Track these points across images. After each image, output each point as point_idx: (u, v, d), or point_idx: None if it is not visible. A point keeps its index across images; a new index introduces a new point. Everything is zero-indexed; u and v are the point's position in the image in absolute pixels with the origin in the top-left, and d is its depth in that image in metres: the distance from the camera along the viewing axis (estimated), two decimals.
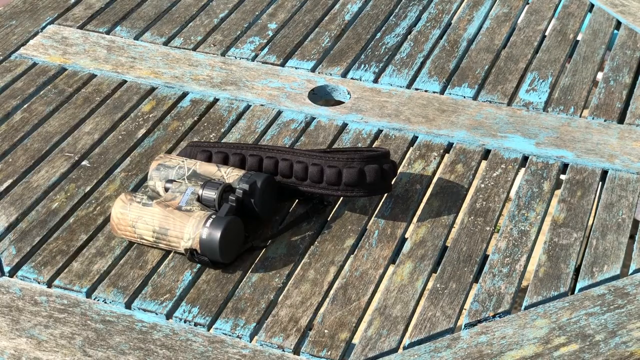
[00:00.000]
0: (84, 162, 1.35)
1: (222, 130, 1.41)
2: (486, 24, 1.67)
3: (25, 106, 1.47)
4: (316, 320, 1.11)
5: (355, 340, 1.09)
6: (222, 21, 1.68)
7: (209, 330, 1.10)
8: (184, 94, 1.50)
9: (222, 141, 1.39)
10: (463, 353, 1.06)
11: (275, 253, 1.20)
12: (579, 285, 1.15)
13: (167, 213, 1.17)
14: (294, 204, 1.27)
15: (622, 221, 1.24)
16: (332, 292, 1.15)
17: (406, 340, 1.08)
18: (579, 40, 1.63)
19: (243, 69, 1.54)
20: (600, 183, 1.31)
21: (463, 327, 1.10)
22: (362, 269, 1.17)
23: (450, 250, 1.20)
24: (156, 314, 1.12)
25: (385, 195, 1.28)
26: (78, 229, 1.24)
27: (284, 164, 1.24)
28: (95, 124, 1.43)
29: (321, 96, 1.51)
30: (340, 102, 1.50)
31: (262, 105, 1.46)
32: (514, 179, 1.32)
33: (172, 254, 1.19)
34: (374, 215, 1.26)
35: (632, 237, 1.24)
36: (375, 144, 1.38)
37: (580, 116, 1.44)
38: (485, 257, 1.19)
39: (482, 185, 1.30)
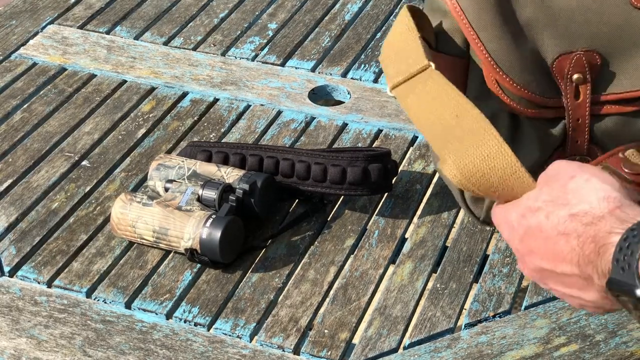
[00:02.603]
0: (84, 162, 1.35)
1: (222, 130, 1.41)
2: None
3: (25, 106, 1.47)
4: (316, 320, 1.11)
5: (355, 340, 1.09)
6: (222, 21, 1.68)
7: (209, 330, 1.10)
8: (184, 94, 1.50)
9: (222, 141, 1.39)
10: (463, 353, 1.06)
11: (275, 253, 1.20)
12: None
13: (167, 213, 1.17)
14: (294, 204, 1.27)
15: None
16: (332, 292, 1.15)
17: (406, 340, 1.08)
18: None
19: (243, 69, 1.54)
20: None
21: (463, 327, 1.10)
22: (362, 269, 1.17)
23: (450, 250, 1.20)
24: (156, 314, 1.12)
25: (386, 195, 1.28)
26: (78, 229, 1.24)
27: (286, 164, 1.24)
28: (95, 124, 1.43)
29: (321, 96, 1.51)
30: (340, 102, 1.50)
31: (262, 105, 1.46)
32: None
33: (172, 254, 1.19)
34: (374, 215, 1.26)
35: None
36: (376, 144, 1.38)
37: None
38: (486, 257, 1.19)
39: None
